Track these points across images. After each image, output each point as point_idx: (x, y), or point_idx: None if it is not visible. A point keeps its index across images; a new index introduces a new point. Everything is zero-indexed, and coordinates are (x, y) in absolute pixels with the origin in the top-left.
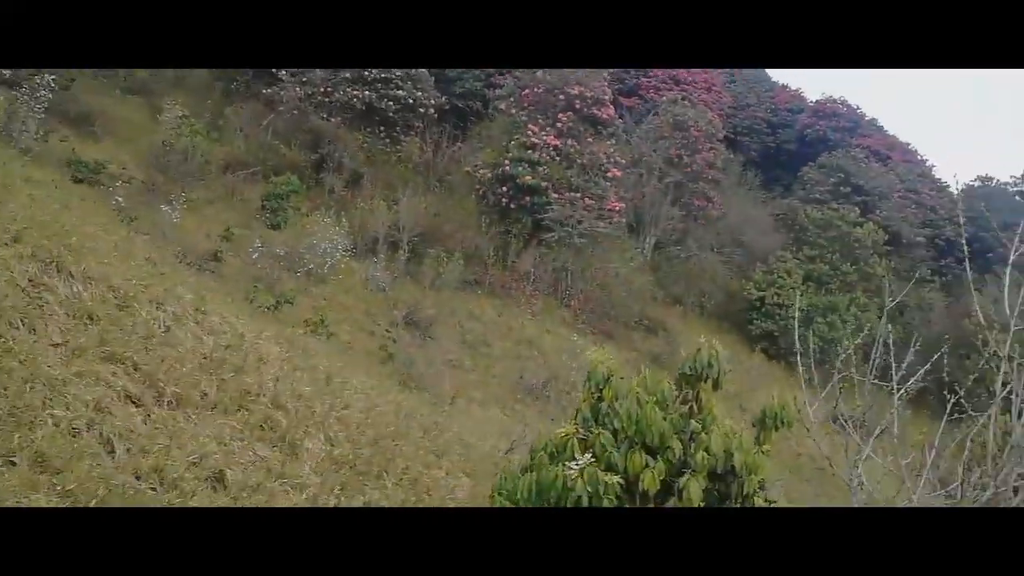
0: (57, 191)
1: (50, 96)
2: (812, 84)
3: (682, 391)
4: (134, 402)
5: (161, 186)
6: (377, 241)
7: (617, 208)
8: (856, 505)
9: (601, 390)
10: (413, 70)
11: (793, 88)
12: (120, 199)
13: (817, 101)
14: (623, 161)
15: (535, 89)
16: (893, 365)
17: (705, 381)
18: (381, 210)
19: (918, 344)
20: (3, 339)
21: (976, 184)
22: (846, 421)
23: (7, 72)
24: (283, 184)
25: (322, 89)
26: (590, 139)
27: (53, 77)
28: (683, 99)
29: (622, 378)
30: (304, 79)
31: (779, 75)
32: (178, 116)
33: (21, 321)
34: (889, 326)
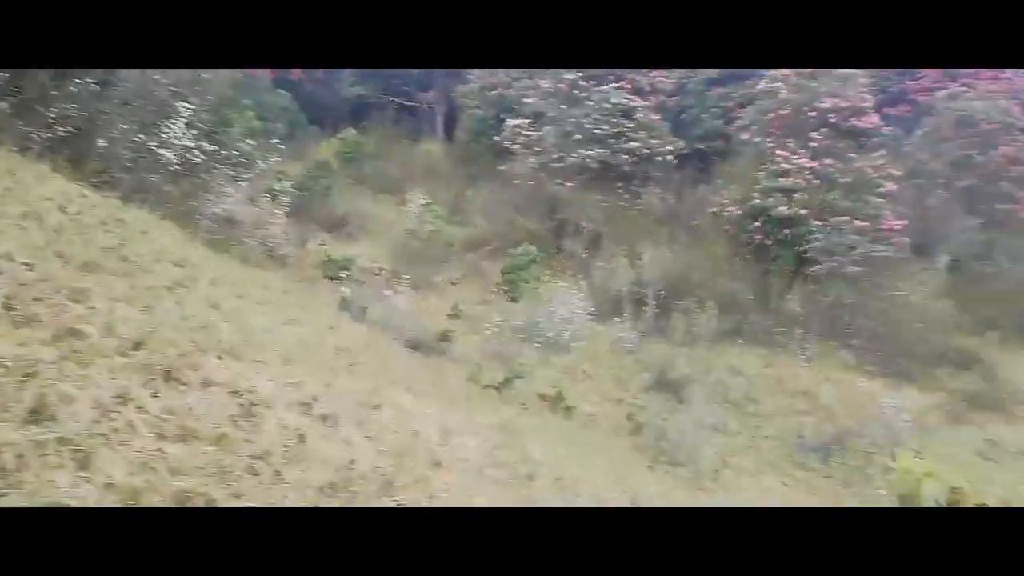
0: (264, 288)
1: (289, 201)
2: None
3: None
4: None
5: (407, 273)
6: (621, 300)
7: (896, 227)
8: None
9: None
10: (646, 119)
11: None
12: (346, 290)
13: None
14: (897, 174)
15: (780, 111)
16: None
17: None
18: (623, 267)
19: None
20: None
21: None
22: None
23: (244, 182)
24: (522, 256)
25: (555, 155)
26: (852, 155)
27: (291, 184)
28: (964, 92)
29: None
30: (537, 149)
31: None
32: (421, 204)
33: (71, 458)
34: None
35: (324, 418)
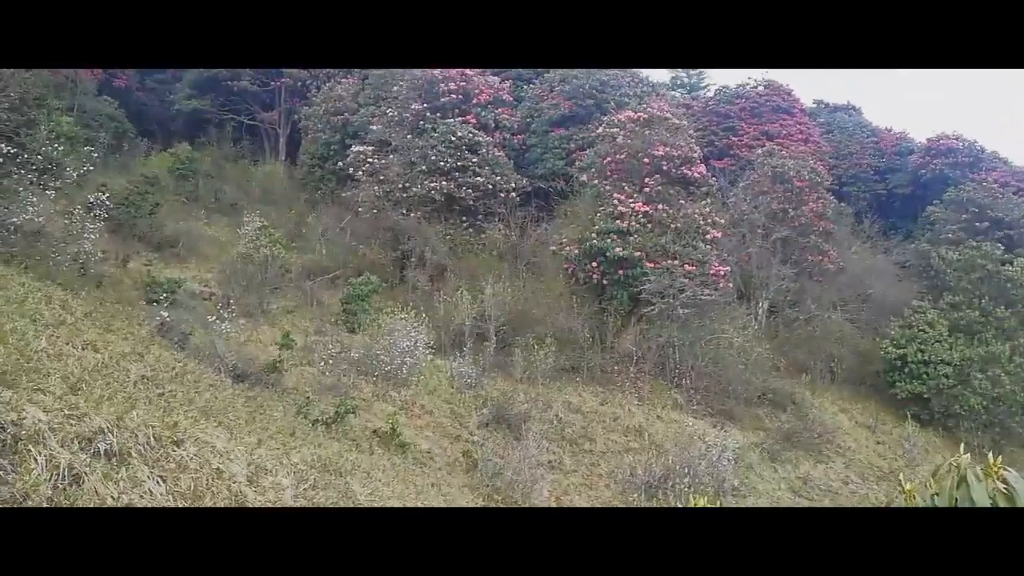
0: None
1: (107, 216)
2: (916, 126)
3: None
4: None
5: (239, 299)
6: (463, 334)
7: (722, 272)
8: None
9: None
10: (490, 155)
11: (898, 131)
12: (166, 314)
13: (929, 139)
14: (722, 221)
15: (617, 156)
16: None
17: None
18: (465, 301)
19: None
20: None
21: None
22: None
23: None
24: (362, 285)
25: (400, 185)
26: (682, 201)
27: (107, 196)
28: (779, 151)
29: None
30: (381, 177)
31: (881, 119)
32: (258, 228)
33: None
34: None
35: (109, 455)
